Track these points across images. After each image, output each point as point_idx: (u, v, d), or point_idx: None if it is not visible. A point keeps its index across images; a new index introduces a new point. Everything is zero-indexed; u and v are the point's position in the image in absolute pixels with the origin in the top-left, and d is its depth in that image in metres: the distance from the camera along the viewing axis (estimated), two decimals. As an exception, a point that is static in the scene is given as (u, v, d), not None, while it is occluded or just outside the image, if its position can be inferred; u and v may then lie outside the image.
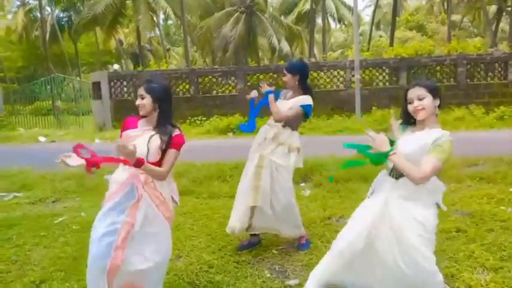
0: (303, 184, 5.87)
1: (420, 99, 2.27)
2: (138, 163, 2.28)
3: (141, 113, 2.50)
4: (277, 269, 3.21)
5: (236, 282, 3.00)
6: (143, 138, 2.44)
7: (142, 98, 2.45)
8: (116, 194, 2.46)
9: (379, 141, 2.24)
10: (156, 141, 2.43)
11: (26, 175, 6.87)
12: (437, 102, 2.31)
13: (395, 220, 2.28)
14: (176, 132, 2.49)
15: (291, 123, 3.43)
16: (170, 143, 2.45)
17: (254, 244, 3.59)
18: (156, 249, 2.39)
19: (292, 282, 2.97)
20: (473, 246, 3.35)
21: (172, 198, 2.56)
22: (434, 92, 2.30)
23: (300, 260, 3.32)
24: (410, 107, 2.32)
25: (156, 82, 2.51)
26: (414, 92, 2.29)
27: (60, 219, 4.66)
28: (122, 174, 2.50)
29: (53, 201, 5.55)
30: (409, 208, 2.27)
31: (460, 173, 5.83)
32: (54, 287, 3.03)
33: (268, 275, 3.10)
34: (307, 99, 3.44)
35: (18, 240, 4.01)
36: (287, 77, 3.50)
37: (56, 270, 3.29)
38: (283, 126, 3.42)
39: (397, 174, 2.33)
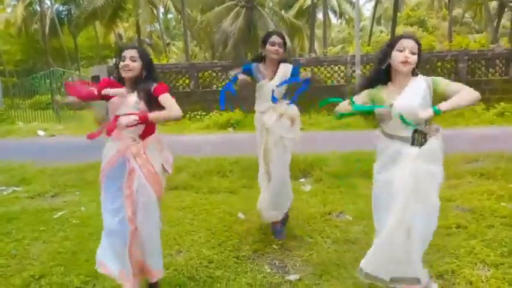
0: (303, 179, 5.86)
1: (413, 53, 2.31)
2: (145, 117, 2.34)
3: (126, 75, 2.46)
4: (277, 264, 3.20)
5: (236, 277, 2.99)
6: (130, 102, 2.45)
7: (133, 61, 2.44)
8: (110, 166, 2.51)
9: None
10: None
11: (25, 169, 6.86)
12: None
13: (423, 188, 2.31)
14: (154, 84, 2.50)
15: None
16: (156, 92, 2.46)
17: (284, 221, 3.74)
18: (146, 217, 2.49)
19: (292, 277, 2.96)
20: (473, 242, 3.35)
21: (163, 167, 2.56)
22: (420, 51, 2.37)
23: (300, 256, 3.31)
24: (400, 55, 2.30)
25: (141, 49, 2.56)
26: (410, 42, 2.31)
27: (60, 213, 4.64)
28: (112, 148, 2.52)
29: (52, 196, 5.54)
30: (434, 170, 2.33)
31: (460, 169, 5.81)
32: (54, 281, 3.02)
33: (269, 270, 3.09)
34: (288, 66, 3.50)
35: (17, 235, 4.00)
36: (281, 50, 3.43)
37: (56, 265, 3.28)
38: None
39: (421, 141, 2.32)
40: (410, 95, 2.33)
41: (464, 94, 2.25)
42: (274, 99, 3.41)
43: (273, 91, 3.42)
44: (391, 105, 2.34)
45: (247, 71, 3.51)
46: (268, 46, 3.42)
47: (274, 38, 3.42)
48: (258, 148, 3.60)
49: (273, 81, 3.46)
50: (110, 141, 2.56)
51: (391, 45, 2.36)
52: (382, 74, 2.43)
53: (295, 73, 3.50)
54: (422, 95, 2.32)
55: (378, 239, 2.43)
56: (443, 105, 2.22)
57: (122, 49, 2.50)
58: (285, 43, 3.48)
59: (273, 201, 3.55)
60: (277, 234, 3.63)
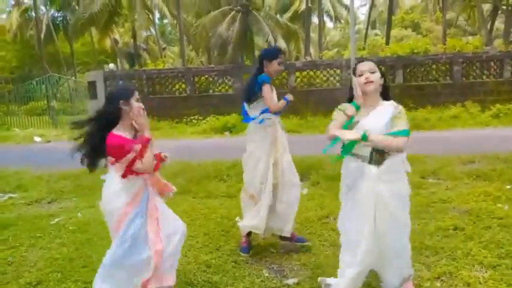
0: (300, 183, 5.85)
1: (372, 73, 2.43)
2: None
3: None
4: (275, 268, 3.20)
5: (234, 282, 2.99)
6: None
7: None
8: (137, 202, 2.55)
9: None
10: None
11: (22, 175, 6.84)
12: (382, 80, 2.48)
13: (390, 208, 2.36)
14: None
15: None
16: None
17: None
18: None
19: (290, 281, 2.96)
20: (471, 244, 3.36)
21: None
22: (380, 69, 2.50)
23: (298, 259, 3.31)
24: (361, 79, 2.43)
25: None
26: (366, 65, 2.45)
27: (56, 220, 4.63)
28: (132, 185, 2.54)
29: (49, 202, 5.52)
30: (396, 187, 2.39)
31: (457, 170, 5.84)
32: (51, 288, 3.01)
33: (267, 275, 3.08)
34: None
35: (14, 242, 3.98)
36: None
37: (53, 272, 3.26)
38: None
39: (378, 160, 2.37)
40: (376, 116, 2.41)
41: (397, 140, 2.31)
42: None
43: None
44: (356, 122, 2.42)
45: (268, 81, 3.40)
46: (275, 64, 3.39)
47: (282, 58, 3.42)
48: (262, 163, 3.43)
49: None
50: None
51: (354, 73, 2.51)
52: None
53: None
54: (387, 120, 2.39)
55: (352, 268, 2.44)
56: (375, 136, 2.28)
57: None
58: None
59: (288, 213, 3.47)
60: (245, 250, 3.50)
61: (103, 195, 2.56)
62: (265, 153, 3.40)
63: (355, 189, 2.44)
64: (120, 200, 2.49)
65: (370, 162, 2.40)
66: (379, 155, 2.38)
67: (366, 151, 2.39)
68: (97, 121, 2.52)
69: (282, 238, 3.55)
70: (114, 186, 2.50)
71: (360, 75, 2.44)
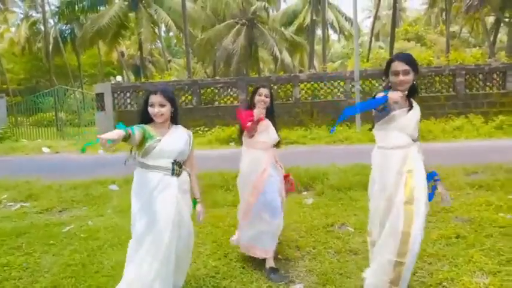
0: (305, 193, 5.97)
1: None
2: None
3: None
4: (283, 274, 3.29)
5: (242, 287, 3.09)
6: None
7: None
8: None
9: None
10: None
11: (32, 185, 6.98)
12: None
13: (184, 217, 2.69)
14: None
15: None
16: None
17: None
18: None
19: (296, 286, 3.06)
20: (472, 251, 3.44)
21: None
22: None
23: (304, 266, 3.41)
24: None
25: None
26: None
27: (68, 228, 4.75)
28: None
29: (60, 211, 5.65)
30: (187, 196, 2.76)
31: (460, 180, 5.92)
32: (66, 292, 3.12)
33: (273, 280, 3.18)
34: None
35: (27, 248, 4.10)
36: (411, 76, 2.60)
37: (66, 277, 3.37)
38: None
39: (178, 172, 2.65)
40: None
41: None
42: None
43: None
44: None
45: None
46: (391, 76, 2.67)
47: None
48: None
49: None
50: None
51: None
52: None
53: None
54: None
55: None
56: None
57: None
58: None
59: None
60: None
61: None
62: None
63: (153, 199, 2.54)
64: None
65: (172, 174, 2.60)
66: (178, 167, 2.62)
67: (167, 163, 2.57)
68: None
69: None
70: None
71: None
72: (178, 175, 2.63)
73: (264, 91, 3.47)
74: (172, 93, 2.68)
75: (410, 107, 2.62)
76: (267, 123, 3.48)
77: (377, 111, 2.59)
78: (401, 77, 2.51)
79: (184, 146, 2.69)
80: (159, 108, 2.57)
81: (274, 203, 3.30)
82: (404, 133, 2.57)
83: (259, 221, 3.30)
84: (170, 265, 2.56)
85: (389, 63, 2.61)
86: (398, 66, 2.52)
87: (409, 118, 2.60)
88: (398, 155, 2.57)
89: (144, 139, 2.54)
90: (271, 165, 3.43)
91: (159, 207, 2.53)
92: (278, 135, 3.55)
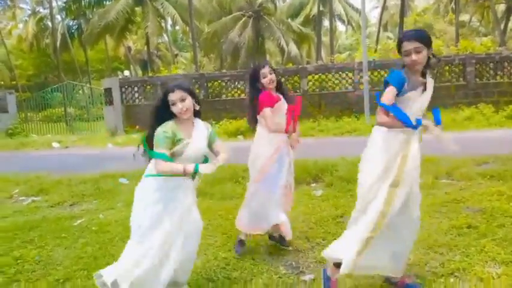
0: (314, 184, 5.96)
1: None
2: None
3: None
4: (293, 265, 3.30)
5: (253, 278, 3.10)
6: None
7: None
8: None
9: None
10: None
11: (43, 180, 7.06)
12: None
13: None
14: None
15: None
16: None
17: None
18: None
19: (307, 277, 3.06)
20: (484, 241, 3.41)
21: None
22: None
23: (314, 257, 3.41)
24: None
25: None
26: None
27: (79, 221, 4.79)
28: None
29: (71, 205, 5.70)
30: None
31: (471, 171, 5.86)
32: (78, 284, 3.15)
33: (284, 271, 3.19)
34: None
35: (40, 242, 4.15)
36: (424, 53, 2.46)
37: (79, 269, 3.41)
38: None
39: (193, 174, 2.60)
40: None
41: None
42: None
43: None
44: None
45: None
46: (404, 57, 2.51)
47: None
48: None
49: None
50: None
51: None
52: None
53: None
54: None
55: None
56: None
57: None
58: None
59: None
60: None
61: None
62: None
63: (174, 201, 2.56)
64: None
65: (193, 178, 2.60)
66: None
67: (189, 163, 2.50)
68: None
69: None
70: None
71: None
72: (194, 178, 2.62)
73: (266, 70, 3.37)
74: (189, 85, 2.62)
75: (425, 87, 2.53)
76: (282, 102, 3.45)
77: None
78: (413, 57, 2.40)
79: (206, 145, 2.69)
80: (182, 103, 2.49)
81: (279, 181, 3.43)
82: (413, 117, 2.48)
83: (263, 197, 3.43)
84: (168, 265, 2.55)
85: (399, 43, 2.50)
86: (408, 45, 2.41)
87: (422, 101, 2.52)
88: (400, 139, 2.51)
89: (172, 143, 2.51)
90: (282, 149, 3.44)
91: (172, 208, 2.55)
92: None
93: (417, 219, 2.64)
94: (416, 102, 2.52)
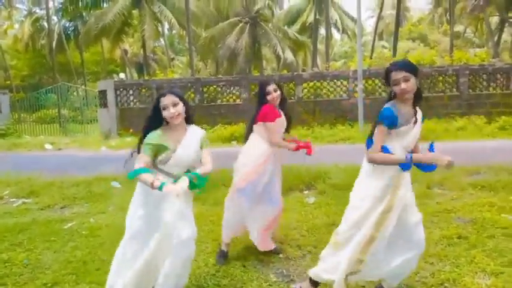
0: (306, 192, 5.96)
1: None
2: None
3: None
4: (283, 272, 3.29)
5: (243, 285, 3.08)
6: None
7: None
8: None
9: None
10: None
11: (34, 181, 6.98)
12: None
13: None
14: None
15: None
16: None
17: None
18: None
19: (297, 285, 3.03)
20: (474, 252, 3.43)
21: None
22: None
23: (306, 265, 3.39)
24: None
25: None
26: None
27: (69, 224, 4.75)
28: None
29: (62, 207, 5.65)
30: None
31: (462, 181, 5.90)
32: (66, 289, 3.12)
33: (274, 279, 3.18)
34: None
35: (29, 245, 4.11)
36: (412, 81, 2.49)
37: (67, 274, 3.37)
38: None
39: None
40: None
41: None
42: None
43: None
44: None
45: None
46: (393, 86, 2.56)
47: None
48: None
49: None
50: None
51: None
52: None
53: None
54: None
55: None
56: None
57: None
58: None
59: None
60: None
61: None
62: None
63: (158, 206, 2.57)
64: None
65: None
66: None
67: (181, 173, 2.54)
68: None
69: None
70: None
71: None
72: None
73: (271, 87, 3.48)
74: (181, 93, 2.66)
75: (415, 119, 2.55)
76: (282, 119, 3.56)
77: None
78: (402, 85, 2.44)
79: (197, 152, 2.68)
80: (174, 108, 2.51)
81: (259, 192, 3.49)
82: (405, 150, 2.52)
83: (240, 206, 3.53)
84: (149, 274, 2.57)
85: (387, 73, 2.54)
86: (397, 75, 2.46)
87: (413, 134, 2.55)
88: (392, 170, 2.54)
89: (157, 152, 2.54)
90: (272, 162, 3.51)
91: (161, 215, 2.56)
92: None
93: (415, 226, 2.63)
94: (409, 136, 2.54)
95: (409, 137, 2.54)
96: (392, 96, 2.57)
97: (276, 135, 3.50)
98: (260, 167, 3.47)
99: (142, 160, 2.49)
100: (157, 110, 2.56)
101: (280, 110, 3.57)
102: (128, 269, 2.56)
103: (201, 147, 2.72)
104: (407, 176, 2.58)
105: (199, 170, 2.59)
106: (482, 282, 2.95)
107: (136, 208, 2.63)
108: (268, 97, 3.46)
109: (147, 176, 2.40)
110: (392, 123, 2.45)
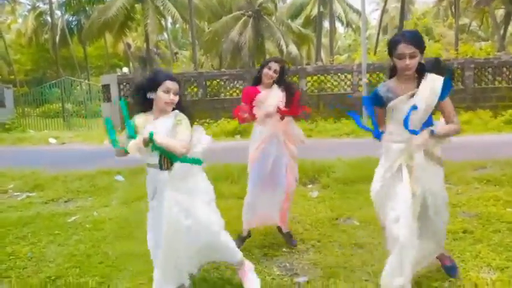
0: (310, 185, 5.94)
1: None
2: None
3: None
4: (286, 266, 3.27)
5: (246, 278, 3.07)
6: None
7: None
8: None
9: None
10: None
11: (38, 175, 7.01)
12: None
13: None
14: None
15: None
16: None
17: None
18: None
19: (301, 279, 3.03)
20: (479, 246, 3.40)
21: None
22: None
23: (309, 259, 3.38)
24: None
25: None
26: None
27: (73, 218, 4.77)
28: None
29: (66, 201, 5.67)
30: (191, 183, 2.63)
31: (468, 175, 5.86)
32: (70, 282, 3.12)
33: (278, 273, 3.16)
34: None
35: (33, 238, 4.12)
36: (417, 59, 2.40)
37: (71, 267, 3.38)
38: None
39: (168, 165, 2.49)
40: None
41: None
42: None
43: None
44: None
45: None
46: (396, 60, 2.48)
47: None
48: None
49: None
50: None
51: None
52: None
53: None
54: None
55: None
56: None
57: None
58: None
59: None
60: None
61: None
62: None
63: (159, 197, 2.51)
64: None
65: (161, 168, 2.44)
66: (167, 161, 2.42)
67: (155, 159, 2.43)
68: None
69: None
70: None
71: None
72: (168, 169, 2.46)
73: (274, 65, 3.43)
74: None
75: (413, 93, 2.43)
76: (266, 94, 3.47)
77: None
78: (407, 61, 2.32)
79: (170, 132, 2.43)
80: (174, 96, 2.47)
81: (263, 176, 3.50)
82: (401, 127, 2.40)
83: (257, 191, 3.56)
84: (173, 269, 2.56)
85: (394, 44, 2.37)
86: (405, 49, 2.32)
87: (408, 109, 2.40)
88: (397, 149, 2.48)
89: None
90: (269, 142, 3.49)
91: (156, 209, 2.55)
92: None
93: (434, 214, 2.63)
94: (401, 109, 2.44)
95: (399, 113, 2.45)
96: (392, 74, 2.50)
97: (259, 112, 3.44)
98: (256, 151, 3.50)
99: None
100: (153, 85, 2.47)
101: (282, 88, 3.50)
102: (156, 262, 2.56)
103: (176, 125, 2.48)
104: (419, 158, 2.45)
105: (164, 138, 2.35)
106: (488, 276, 2.92)
107: (150, 200, 2.62)
108: (263, 71, 3.43)
109: (138, 140, 2.30)
110: (376, 102, 2.47)
